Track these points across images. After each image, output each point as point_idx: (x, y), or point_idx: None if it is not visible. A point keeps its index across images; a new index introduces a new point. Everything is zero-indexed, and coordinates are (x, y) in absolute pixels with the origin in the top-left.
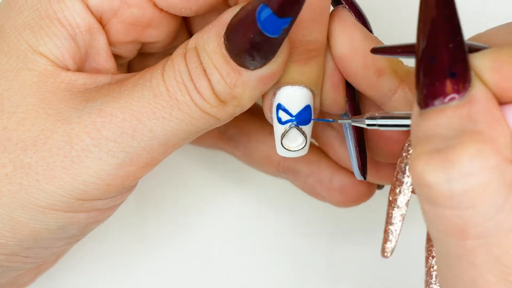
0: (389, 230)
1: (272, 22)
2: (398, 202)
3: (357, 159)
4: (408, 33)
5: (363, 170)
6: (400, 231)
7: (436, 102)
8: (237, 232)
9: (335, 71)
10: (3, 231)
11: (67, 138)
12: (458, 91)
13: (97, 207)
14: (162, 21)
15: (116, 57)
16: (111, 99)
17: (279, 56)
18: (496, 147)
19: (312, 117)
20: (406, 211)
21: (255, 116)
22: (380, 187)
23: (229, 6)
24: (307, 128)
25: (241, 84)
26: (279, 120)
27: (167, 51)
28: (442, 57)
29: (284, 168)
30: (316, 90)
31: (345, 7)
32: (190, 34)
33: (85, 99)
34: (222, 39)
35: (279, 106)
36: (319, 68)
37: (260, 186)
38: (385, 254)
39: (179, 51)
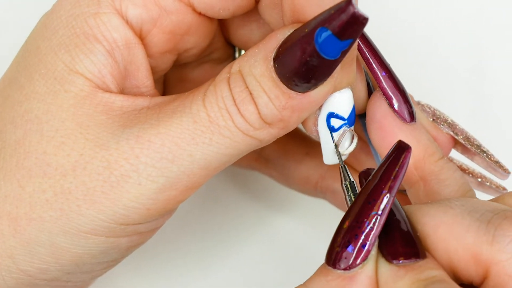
0: None
1: (331, 44)
2: None
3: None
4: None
5: None
6: None
7: (329, 264)
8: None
9: (359, 71)
10: (45, 257)
11: (106, 163)
12: (348, 264)
13: (139, 231)
14: (200, 26)
15: (153, 70)
16: (149, 126)
17: (333, 76)
18: None
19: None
20: None
21: (291, 137)
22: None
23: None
24: (353, 127)
25: (290, 107)
26: (332, 128)
27: (202, 59)
28: (350, 227)
29: (322, 188)
30: (353, 86)
31: (380, 92)
32: (225, 40)
33: (122, 125)
34: (271, 63)
35: (331, 115)
36: (355, 65)
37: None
38: None
39: (222, 76)
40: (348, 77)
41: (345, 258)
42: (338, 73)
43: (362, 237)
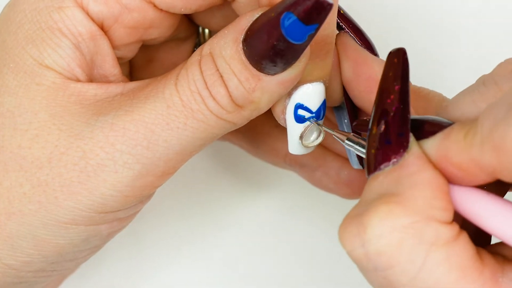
0: None
1: (297, 29)
2: None
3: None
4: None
5: (361, 160)
6: None
7: (373, 169)
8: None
9: (335, 63)
10: (28, 250)
11: (81, 153)
12: (393, 157)
13: (118, 217)
14: (163, 21)
15: (119, 59)
16: (123, 113)
17: (301, 60)
18: (412, 207)
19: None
20: None
21: None
22: None
23: (229, 4)
24: (322, 122)
25: (260, 88)
26: (299, 119)
27: (168, 40)
28: (379, 127)
29: (291, 161)
30: (327, 83)
31: (347, 32)
32: (191, 22)
33: (96, 113)
34: (240, 45)
35: (299, 106)
36: (331, 60)
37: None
38: None
39: (193, 59)
40: (321, 71)
41: (389, 152)
42: (311, 65)
43: (395, 127)
